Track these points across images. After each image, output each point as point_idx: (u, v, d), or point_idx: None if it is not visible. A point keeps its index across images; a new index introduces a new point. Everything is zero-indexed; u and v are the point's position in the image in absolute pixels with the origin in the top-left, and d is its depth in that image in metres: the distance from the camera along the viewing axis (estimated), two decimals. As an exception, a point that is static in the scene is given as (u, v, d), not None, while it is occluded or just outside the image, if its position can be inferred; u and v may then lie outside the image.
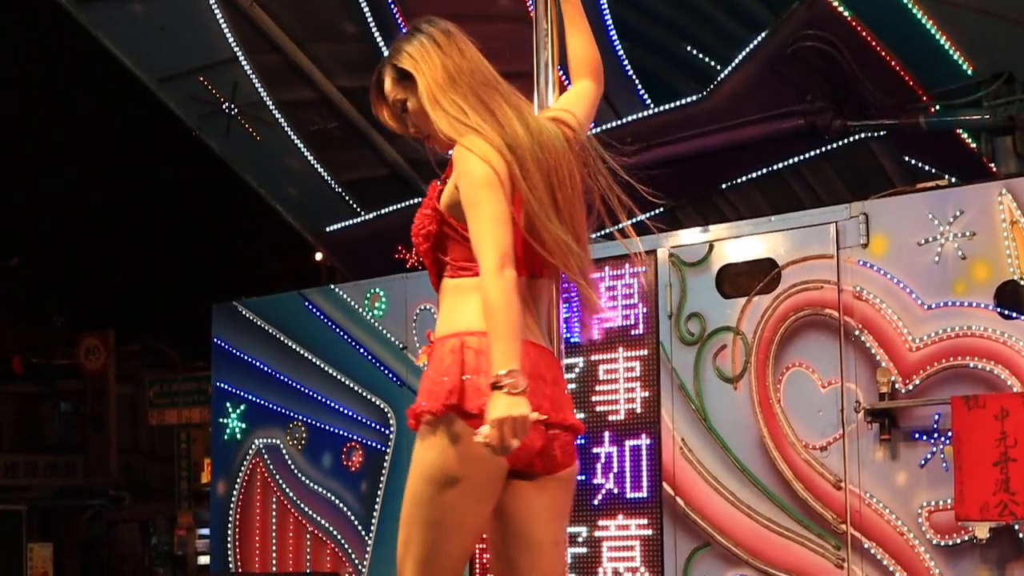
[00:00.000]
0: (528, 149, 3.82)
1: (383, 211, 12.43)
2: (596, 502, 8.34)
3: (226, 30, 11.26)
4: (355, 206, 12.59)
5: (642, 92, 10.85)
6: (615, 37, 10.59)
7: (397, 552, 3.85)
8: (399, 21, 10.76)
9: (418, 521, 3.80)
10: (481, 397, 3.66)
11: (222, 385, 10.42)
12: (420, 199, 12.77)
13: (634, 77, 10.80)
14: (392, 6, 10.79)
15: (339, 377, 9.76)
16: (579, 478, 8.23)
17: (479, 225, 3.73)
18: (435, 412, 3.74)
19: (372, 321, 9.64)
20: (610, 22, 10.47)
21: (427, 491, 3.76)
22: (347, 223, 12.68)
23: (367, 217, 12.57)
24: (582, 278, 3.87)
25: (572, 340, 8.38)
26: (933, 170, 9.99)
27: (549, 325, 4.00)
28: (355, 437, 9.64)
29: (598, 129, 10.79)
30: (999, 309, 7.13)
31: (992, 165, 9.35)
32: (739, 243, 8.04)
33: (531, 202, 3.79)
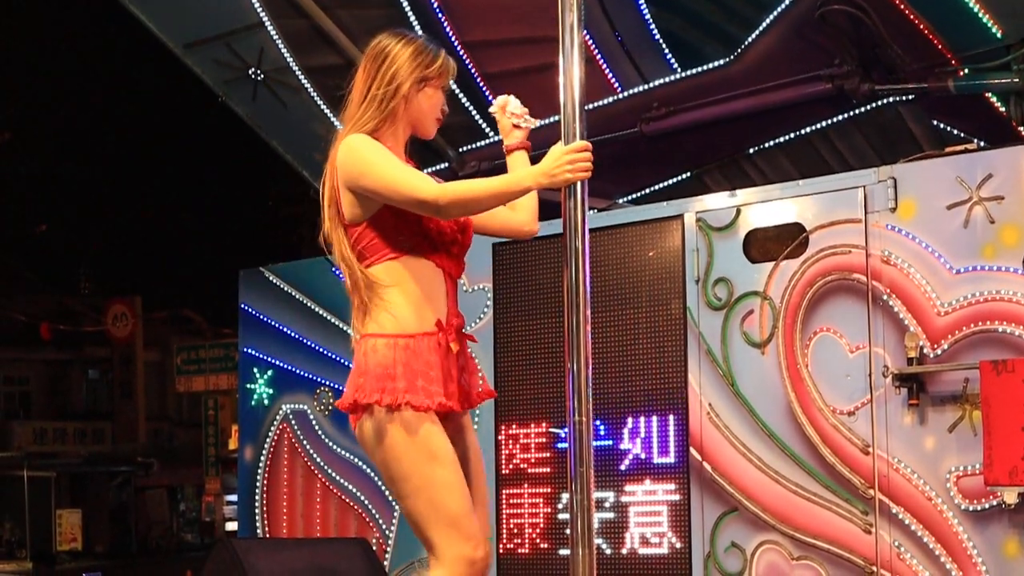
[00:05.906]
0: None
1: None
2: (623, 467, 8.34)
3: (252, -5, 11.24)
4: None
5: (669, 56, 10.80)
6: (642, 1, 10.54)
7: None
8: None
9: None
10: None
11: (249, 351, 10.43)
12: (446, 165, 12.69)
13: (661, 41, 10.75)
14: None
15: (366, 342, 9.73)
16: (604, 443, 8.30)
17: None
18: None
19: (398, 286, 9.60)
20: (637, -14, 10.41)
21: None
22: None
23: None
24: None
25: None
26: (962, 134, 9.93)
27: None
28: (382, 402, 9.61)
29: (625, 94, 10.81)
30: (1028, 273, 7.09)
31: (1021, 129, 9.29)
32: (766, 208, 8.01)
33: None
